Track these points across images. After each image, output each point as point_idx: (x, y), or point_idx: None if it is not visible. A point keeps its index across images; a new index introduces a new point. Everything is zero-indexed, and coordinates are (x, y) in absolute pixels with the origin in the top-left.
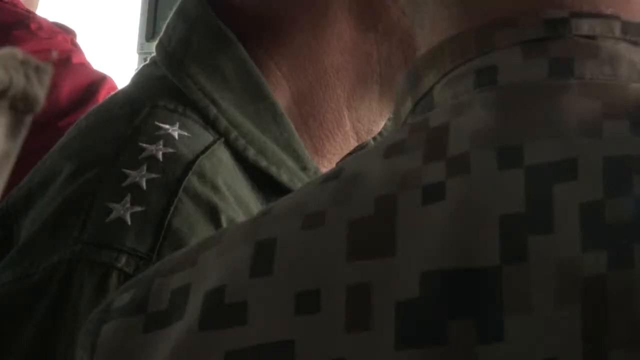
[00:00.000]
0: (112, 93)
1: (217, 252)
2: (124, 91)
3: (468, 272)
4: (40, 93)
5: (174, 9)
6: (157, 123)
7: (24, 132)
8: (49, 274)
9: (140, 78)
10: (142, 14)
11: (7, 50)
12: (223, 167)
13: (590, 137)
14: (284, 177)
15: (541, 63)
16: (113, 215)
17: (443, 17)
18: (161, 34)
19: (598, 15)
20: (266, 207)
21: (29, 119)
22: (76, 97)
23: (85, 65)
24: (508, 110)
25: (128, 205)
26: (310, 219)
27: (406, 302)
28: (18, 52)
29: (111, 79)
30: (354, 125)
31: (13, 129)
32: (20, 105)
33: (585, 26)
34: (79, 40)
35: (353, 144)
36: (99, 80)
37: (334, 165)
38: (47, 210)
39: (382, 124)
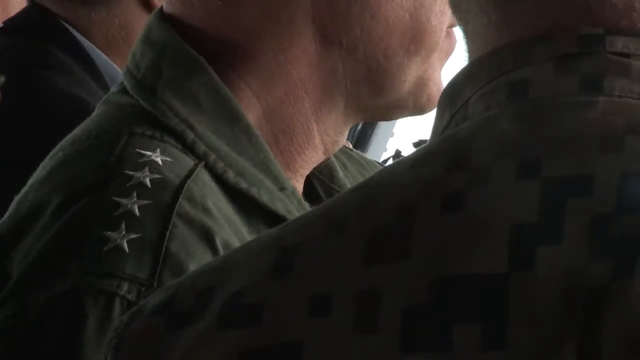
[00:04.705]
0: (82, 123)
1: (243, 257)
2: (95, 120)
3: (476, 278)
4: None
5: (139, 36)
6: (138, 150)
7: None
8: (51, 307)
9: (109, 106)
10: None
11: None
12: (209, 189)
13: (611, 152)
14: (265, 198)
15: (572, 78)
16: (110, 244)
17: (484, 23)
18: (128, 62)
19: (634, 34)
20: (298, 216)
21: None
22: None
23: None
24: (533, 123)
25: (124, 232)
26: (333, 226)
27: (413, 307)
28: None
29: None
30: (322, 138)
31: None
32: None
33: (619, 43)
34: None
35: (321, 156)
36: None
37: (303, 178)
38: (39, 243)
39: (346, 134)
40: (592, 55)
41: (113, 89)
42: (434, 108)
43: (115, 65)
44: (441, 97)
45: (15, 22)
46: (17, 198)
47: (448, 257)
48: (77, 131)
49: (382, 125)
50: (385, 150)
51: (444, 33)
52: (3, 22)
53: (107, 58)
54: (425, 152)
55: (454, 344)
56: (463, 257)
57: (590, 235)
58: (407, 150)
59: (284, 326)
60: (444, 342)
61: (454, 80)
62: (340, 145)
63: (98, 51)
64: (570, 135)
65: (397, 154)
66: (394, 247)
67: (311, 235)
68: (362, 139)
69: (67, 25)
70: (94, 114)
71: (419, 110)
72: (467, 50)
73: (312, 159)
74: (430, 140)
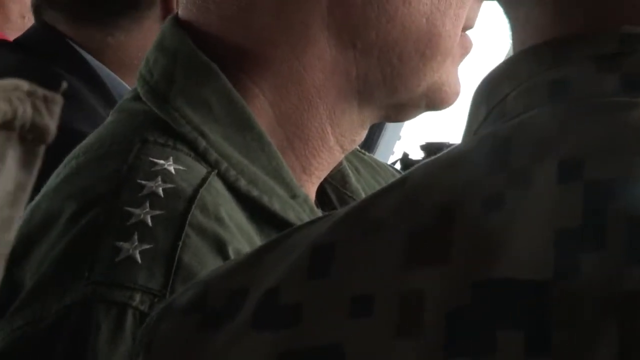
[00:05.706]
0: (95, 130)
1: (276, 255)
2: (108, 128)
3: (520, 283)
4: (51, 123)
5: (153, 42)
6: (151, 159)
7: (37, 163)
8: (62, 317)
9: (122, 114)
10: None
11: (10, 82)
12: (222, 198)
13: None
14: (276, 206)
15: (613, 78)
16: (122, 254)
17: (542, 12)
18: (141, 68)
19: None
20: (328, 213)
21: (41, 150)
22: None
23: None
24: (573, 124)
25: (136, 243)
26: (371, 226)
27: (457, 311)
28: (23, 83)
29: None
30: (338, 139)
31: (26, 161)
32: (29, 136)
33: None
34: None
35: (339, 157)
36: None
37: (320, 181)
38: (52, 253)
39: (364, 133)
40: (633, 55)
41: (126, 95)
42: (447, 107)
43: (128, 86)
44: (476, 93)
45: (23, 40)
46: (30, 206)
47: (490, 260)
48: (90, 139)
49: (390, 129)
50: (393, 153)
51: (458, 38)
52: (13, 40)
53: (121, 80)
54: (463, 152)
55: (497, 348)
56: (506, 260)
57: (628, 239)
58: (415, 154)
59: (323, 328)
60: (488, 346)
61: (489, 76)
62: (358, 142)
63: (108, 70)
64: (612, 136)
65: (405, 157)
66: (434, 248)
67: (346, 235)
68: (369, 142)
69: (76, 47)
70: (107, 121)
71: (432, 109)
72: (513, 37)
73: (328, 161)
74: (464, 136)
